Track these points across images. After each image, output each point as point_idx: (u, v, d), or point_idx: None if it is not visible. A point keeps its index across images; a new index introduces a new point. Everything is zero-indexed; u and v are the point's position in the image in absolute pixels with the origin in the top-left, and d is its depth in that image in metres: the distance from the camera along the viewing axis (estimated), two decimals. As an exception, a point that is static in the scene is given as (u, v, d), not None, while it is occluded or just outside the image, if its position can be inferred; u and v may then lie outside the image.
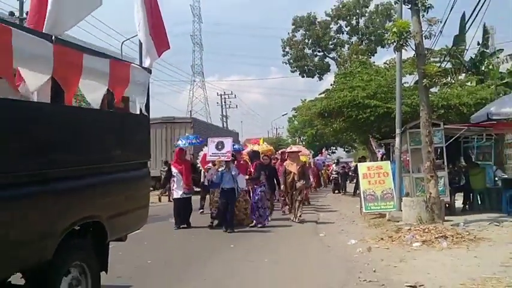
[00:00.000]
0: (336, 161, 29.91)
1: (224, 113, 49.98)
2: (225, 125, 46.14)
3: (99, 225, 4.23)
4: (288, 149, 13.88)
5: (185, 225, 10.60)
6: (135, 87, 4.78)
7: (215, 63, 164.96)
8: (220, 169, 10.10)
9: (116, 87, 4.42)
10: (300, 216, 11.45)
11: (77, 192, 3.97)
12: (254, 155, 12.27)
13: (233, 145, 12.91)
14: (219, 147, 10.31)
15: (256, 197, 10.81)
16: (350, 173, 25.62)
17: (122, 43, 24.80)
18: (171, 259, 7.16)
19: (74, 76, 3.81)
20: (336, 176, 24.76)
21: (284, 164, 12.61)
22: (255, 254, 7.41)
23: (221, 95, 50.43)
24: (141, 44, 5.26)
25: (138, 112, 4.99)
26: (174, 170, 10.89)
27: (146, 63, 5.23)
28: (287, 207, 12.94)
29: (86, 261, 4.13)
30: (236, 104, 53.01)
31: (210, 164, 10.66)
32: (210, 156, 10.45)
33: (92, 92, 4.09)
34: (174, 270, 6.40)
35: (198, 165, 12.36)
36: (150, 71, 5.21)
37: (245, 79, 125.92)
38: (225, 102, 50.32)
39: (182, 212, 10.66)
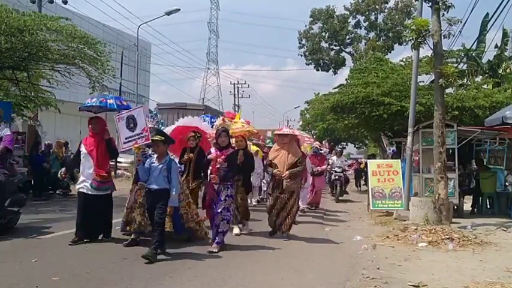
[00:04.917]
0: (338, 150, 19.67)
1: (236, 103, 50.01)
2: (236, 115, 46.03)
3: None
4: (277, 131, 8.69)
5: (88, 240, 6.88)
6: None
7: (232, 52, 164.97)
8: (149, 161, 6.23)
9: None
10: (289, 230, 8.04)
11: None
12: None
13: (205, 117, 9.79)
14: (131, 125, 6.59)
15: (222, 206, 6.74)
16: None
17: (139, 27, 24.84)
18: (176, 244, 7.20)
19: None
20: (341, 174, 16.52)
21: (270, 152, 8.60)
22: (258, 245, 7.43)
23: (234, 83, 50.41)
24: None
25: None
26: (83, 150, 6.98)
27: None
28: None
29: None
30: (249, 93, 52.97)
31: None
32: (124, 143, 6.67)
33: None
34: (178, 254, 6.44)
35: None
36: None
37: (260, 69, 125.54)
38: (237, 92, 50.31)
39: (88, 217, 6.87)
